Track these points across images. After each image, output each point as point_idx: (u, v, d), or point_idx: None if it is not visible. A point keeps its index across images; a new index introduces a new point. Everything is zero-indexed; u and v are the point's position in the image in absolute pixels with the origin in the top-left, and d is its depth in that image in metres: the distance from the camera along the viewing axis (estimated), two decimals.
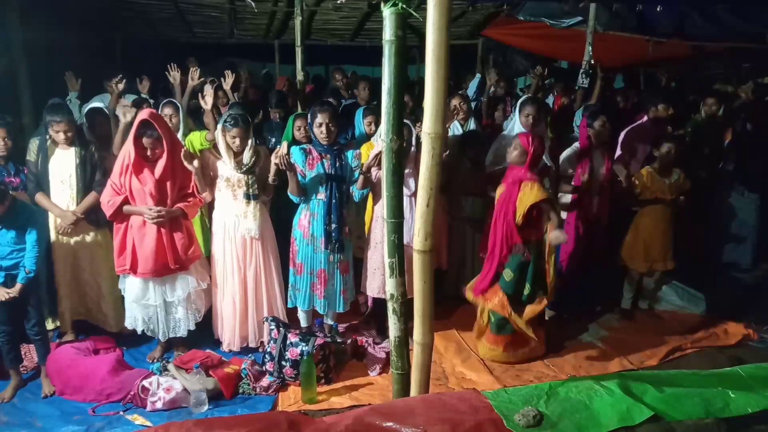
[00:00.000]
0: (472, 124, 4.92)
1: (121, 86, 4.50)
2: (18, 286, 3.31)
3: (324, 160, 3.65)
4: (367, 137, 4.10)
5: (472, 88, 6.76)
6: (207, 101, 3.97)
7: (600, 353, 3.98)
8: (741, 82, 7.12)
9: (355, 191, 3.71)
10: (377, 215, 3.82)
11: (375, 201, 3.84)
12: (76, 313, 3.99)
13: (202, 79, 4.70)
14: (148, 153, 3.48)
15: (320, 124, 3.59)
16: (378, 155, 3.52)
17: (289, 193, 3.66)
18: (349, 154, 3.74)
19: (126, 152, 3.47)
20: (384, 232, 3.71)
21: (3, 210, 3.23)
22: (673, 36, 6.08)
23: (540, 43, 7.46)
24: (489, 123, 5.27)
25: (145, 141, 3.44)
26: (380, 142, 3.56)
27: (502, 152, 4.34)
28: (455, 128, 4.77)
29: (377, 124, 4.03)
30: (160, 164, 3.48)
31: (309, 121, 3.70)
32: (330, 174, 3.63)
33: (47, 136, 3.75)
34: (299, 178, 3.61)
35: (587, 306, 4.59)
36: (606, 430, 2.02)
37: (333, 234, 3.66)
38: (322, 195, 3.65)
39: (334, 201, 3.64)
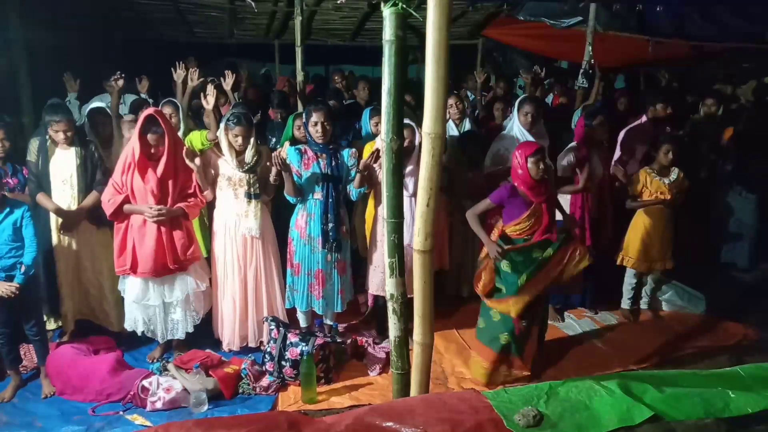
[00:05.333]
0: (467, 125, 4.92)
1: (121, 83, 4.50)
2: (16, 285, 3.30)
3: (320, 159, 3.64)
4: (374, 137, 4.10)
5: None
6: (209, 101, 3.97)
7: (600, 353, 3.98)
8: (741, 82, 7.12)
9: (352, 190, 3.71)
10: (380, 214, 3.82)
11: (377, 201, 3.83)
12: (78, 313, 3.99)
13: (201, 80, 4.70)
14: (152, 150, 3.49)
15: (315, 123, 3.58)
16: (375, 153, 3.53)
17: (285, 194, 3.66)
18: (345, 153, 3.73)
19: (129, 149, 3.48)
20: (384, 231, 3.76)
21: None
22: (673, 36, 6.08)
23: (540, 43, 7.46)
24: (494, 124, 5.25)
25: (150, 137, 3.45)
26: (380, 141, 3.58)
27: (501, 153, 4.35)
28: (450, 129, 4.78)
29: None
30: (162, 162, 3.49)
31: (304, 120, 3.69)
32: (326, 173, 3.63)
33: (47, 137, 3.75)
34: (295, 178, 3.61)
35: (587, 306, 4.59)
36: (606, 430, 2.02)
37: (330, 234, 3.66)
38: (318, 195, 3.65)
39: (330, 200, 3.64)
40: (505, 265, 3.39)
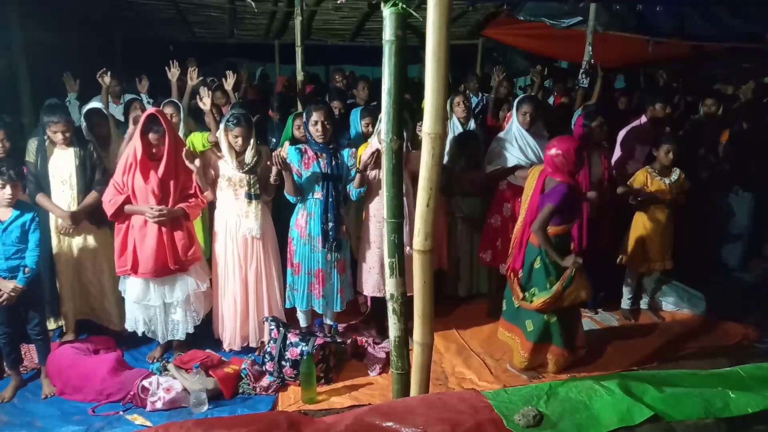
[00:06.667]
0: (472, 124, 4.91)
1: (107, 80, 4.57)
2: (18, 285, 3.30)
3: (320, 159, 3.65)
4: (364, 137, 4.09)
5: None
6: (205, 102, 3.97)
7: (600, 353, 3.98)
8: (741, 82, 7.11)
9: (352, 190, 3.71)
10: (371, 214, 3.82)
11: (369, 201, 3.83)
12: (79, 313, 3.99)
13: (201, 79, 4.70)
14: (153, 150, 3.49)
15: (315, 122, 3.58)
16: (374, 154, 3.52)
17: (285, 193, 3.66)
18: (345, 152, 3.73)
19: (131, 149, 3.48)
20: (381, 231, 3.75)
21: (17, 193, 3.26)
22: (673, 36, 6.07)
23: (540, 43, 7.46)
24: (494, 123, 5.26)
25: (151, 136, 3.46)
26: (375, 141, 3.59)
27: (498, 152, 4.34)
28: (455, 127, 4.77)
29: (374, 124, 4.02)
30: (164, 162, 3.49)
31: (305, 119, 3.70)
32: (326, 173, 3.63)
33: (45, 137, 3.74)
34: (295, 177, 3.61)
35: (588, 305, 4.59)
36: (606, 430, 2.02)
37: (330, 233, 3.66)
38: (318, 194, 3.65)
39: (330, 200, 3.64)
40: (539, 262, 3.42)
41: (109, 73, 4.71)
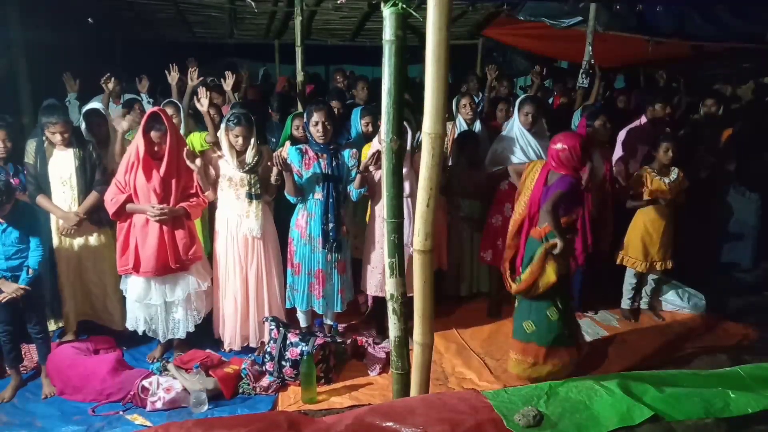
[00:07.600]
0: (478, 126, 4.92)
1: (110, 85, 4.58)
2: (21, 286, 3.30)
3: (320, 159, 3.64)
4: (365, 137, 4.09)
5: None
6: (203, 103, 3.97)
7: (600, 353, 3.98)
8: (741, 82, 7.12)
9: (353, 190, 3.71)
10: (376, 214, 3.82)
11: (374, 201, 3.83)
12: (81, 314, 3.99)
13: (201, 79, 4.70)
14: (155, 149, 3.49)
15: (316, 123, 3.58)
16: (375, 154, 3.52)
17: (286, 193, 3.66)
18: (346, 153, 3.73)
19: (134, 148, 3.49)
20: (383, 231, 3.75)
21: (9, 208, 3.24)
22: (673, 36, 6.08)
23: (540, 43, 7.47)
24: (496, 124, 5.26)
25: (153, 135, 3.46)
26: (376, 142, 3.59)
27: (500, 153, 4.35)
28: (462, 128, 4.78)
29: (374, 124, 4.02)
30: (165, 161, 3.49)
31: (305, 120, 3.69)
32: (327, 173, 3.63)
33: (44, 138, 3.74)
34: (296, 178, 3.62)
35: (587, 306, 4.59)
36: (606, 430, 2.02)
37: (330, 233, 3.66)
38: (318, 195, 3.65)
39: (331, 200, 3.64)
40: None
41: (113, 79, 4.71)
